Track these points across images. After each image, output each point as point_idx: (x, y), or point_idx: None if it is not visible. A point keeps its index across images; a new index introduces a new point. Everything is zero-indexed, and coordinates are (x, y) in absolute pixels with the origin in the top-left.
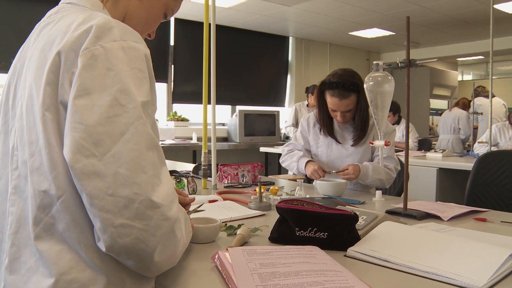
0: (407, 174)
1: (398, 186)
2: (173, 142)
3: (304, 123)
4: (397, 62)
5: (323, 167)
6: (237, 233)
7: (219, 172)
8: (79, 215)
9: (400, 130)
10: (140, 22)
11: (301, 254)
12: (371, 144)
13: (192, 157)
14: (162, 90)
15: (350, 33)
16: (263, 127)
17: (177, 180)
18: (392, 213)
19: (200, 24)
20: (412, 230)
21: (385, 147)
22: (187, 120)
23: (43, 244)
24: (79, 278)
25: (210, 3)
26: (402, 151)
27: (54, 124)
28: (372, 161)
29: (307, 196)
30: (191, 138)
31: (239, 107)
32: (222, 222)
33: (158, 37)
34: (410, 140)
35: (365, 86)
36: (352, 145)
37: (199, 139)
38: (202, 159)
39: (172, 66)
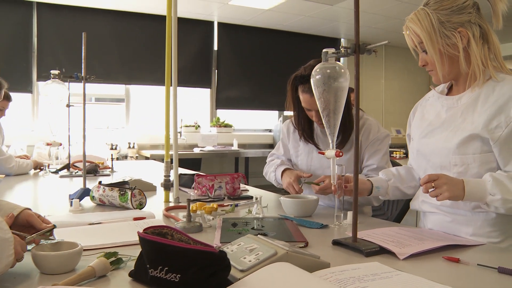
0: (356, 195)
1: (400, 205)
2: (212, 148)
3: (284, 128)
4: (341, 47)
5: (301, 174)
6: (89, 265)
7: (194, 183)
8: None
9: None
10: None
11: None
12: (321, 154)
13: (234, 164)
14: (205, 95)
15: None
16: None
17: (121, 193)
18: (339, 244)
19: (244, 28)
20: (304, 282)
21: (376, 156)
22: (230, 126)
23: None
24: None
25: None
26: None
27: None
28: (361, 171)
29: (260, 216)
30: (233, 145)
31: (287, 113)
32: (107, 248)
33: (202, 42)
34: None
35: (311, 80)
36: None
37: (240, 145)
38: (164, 169)
39: (216, 71)
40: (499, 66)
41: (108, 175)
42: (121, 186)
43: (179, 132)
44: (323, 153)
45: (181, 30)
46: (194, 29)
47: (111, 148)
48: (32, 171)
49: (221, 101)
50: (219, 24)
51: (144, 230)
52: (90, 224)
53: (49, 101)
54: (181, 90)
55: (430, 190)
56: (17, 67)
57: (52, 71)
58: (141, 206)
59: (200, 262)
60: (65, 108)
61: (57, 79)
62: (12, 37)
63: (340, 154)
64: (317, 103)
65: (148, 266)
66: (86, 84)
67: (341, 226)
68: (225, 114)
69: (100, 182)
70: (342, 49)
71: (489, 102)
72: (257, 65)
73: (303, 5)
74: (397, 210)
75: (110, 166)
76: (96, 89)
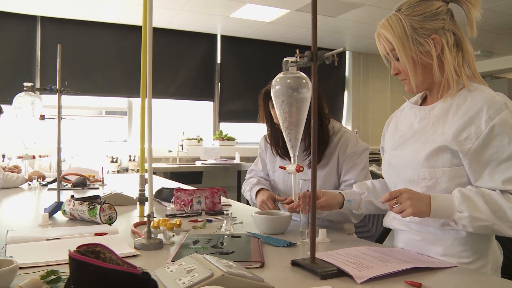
0: (314, 211)
1: None
2: (214, 162)
3: (262, 143)
4: (296, 55)
5: (275, 195)
6: (18, 284)
7: (173, 197)
8: None
9: None
10: None
11: None
12: (282, 169)
13: (236, 177)
14: (208, 108)
15: None
16: None
17: (90, 207)
18: (297, 265)
19: (247, 40)
20: None
21: (354, 171)
22: (233, 139)
23: None
24: None
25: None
26: None
27: None
28: (338, 187)
29: (227, 232)
30: (235, 158)
31: None
32: (52, 265)
33: (205, 54)
34: None
35: (271, 91)
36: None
37: (242, 159)
38: (139, 182)
39: (219, 84)
40: (472, 75)
41: (97, 188)
42: (91, 200)
43: (180, 145)
44: (284, 168)
45: (184, 44)
46: (197, 42)
47: (112, 161)
48: (26, 185)
49: (224, 114)
50: (222, 37)
51: (78, 247)
52: (47, 239)
53: (19, 114)
54: (184, 103)
55: (394, 206)
56: (21, 80)
57: (25, 83)
58: (111, 221)
59: (120, 284)
60: (40, 121)
61: (30, 92)
62: (16, 50)
63: (301, 169)
64: (277, 114)
65: (72, 286)
66: (92, 97)
67: (306, 243)
68: (228, 127)
69: (72, 196)
70: (298, 58)
71: (459, 112)
72: (260, 78)
73: (304, 17)
74: (382, 228)
75: (101, 179)
76: (99, 102)
